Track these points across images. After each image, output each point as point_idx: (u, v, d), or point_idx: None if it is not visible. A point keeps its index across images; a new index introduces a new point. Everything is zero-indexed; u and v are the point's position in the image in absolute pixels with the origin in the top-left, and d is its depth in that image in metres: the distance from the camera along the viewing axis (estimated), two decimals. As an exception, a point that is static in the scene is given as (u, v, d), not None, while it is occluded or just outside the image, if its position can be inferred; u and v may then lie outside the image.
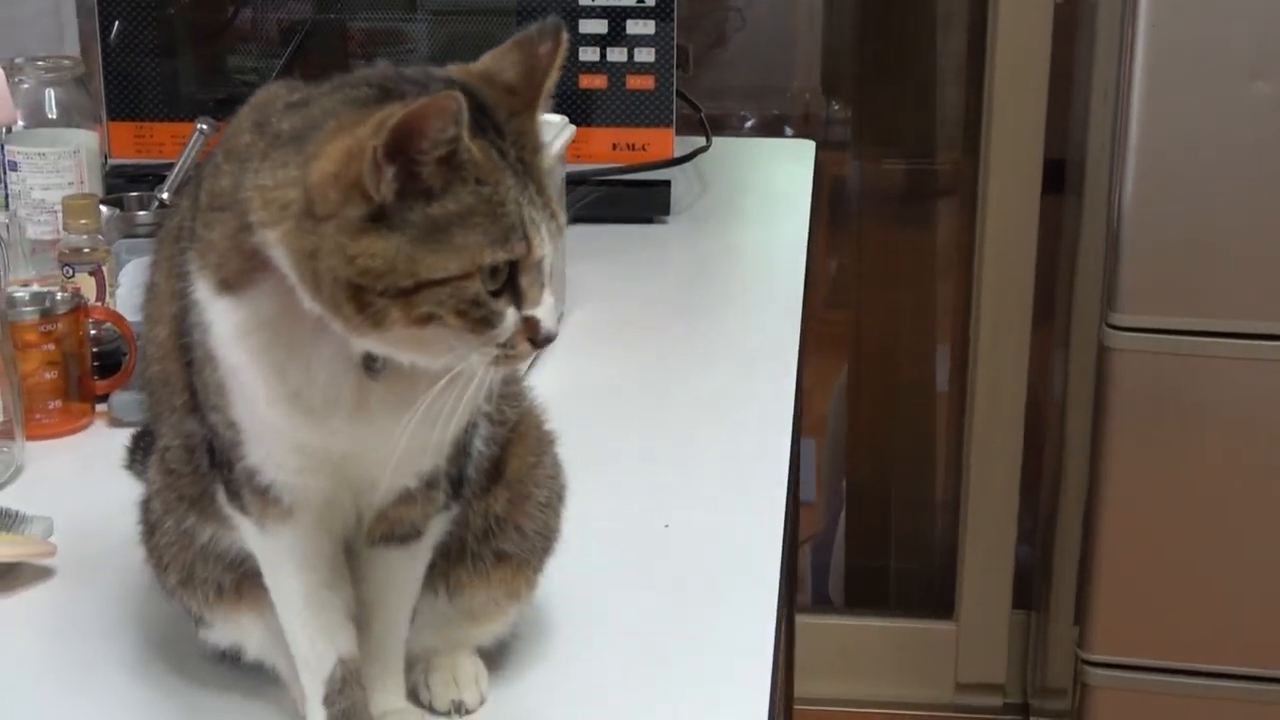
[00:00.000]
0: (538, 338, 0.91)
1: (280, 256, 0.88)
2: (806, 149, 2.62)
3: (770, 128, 3.35)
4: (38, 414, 1.51)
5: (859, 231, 3.22)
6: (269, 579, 1.03)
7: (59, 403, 1.51)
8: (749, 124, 3.52)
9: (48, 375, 1.51)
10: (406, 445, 0.95)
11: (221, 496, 1.02)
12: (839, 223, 3.20)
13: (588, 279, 1.99)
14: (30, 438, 1.48)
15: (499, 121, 0.91)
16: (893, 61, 3.14)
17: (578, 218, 2.17)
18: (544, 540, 1.13)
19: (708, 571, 1.32)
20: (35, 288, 1.55)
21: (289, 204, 0.87)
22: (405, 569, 1.05)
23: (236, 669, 1.12)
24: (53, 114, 1.93)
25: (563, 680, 1.15)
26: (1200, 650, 2.16)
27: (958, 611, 2.99)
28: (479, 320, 0.88)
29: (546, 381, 1.70)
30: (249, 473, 0.99)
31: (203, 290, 0.95)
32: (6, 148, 1.93)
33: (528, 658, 1.17)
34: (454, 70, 0.94)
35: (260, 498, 0.99)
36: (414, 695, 1.11)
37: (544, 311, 0.90)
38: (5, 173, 1.93)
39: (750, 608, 1.25)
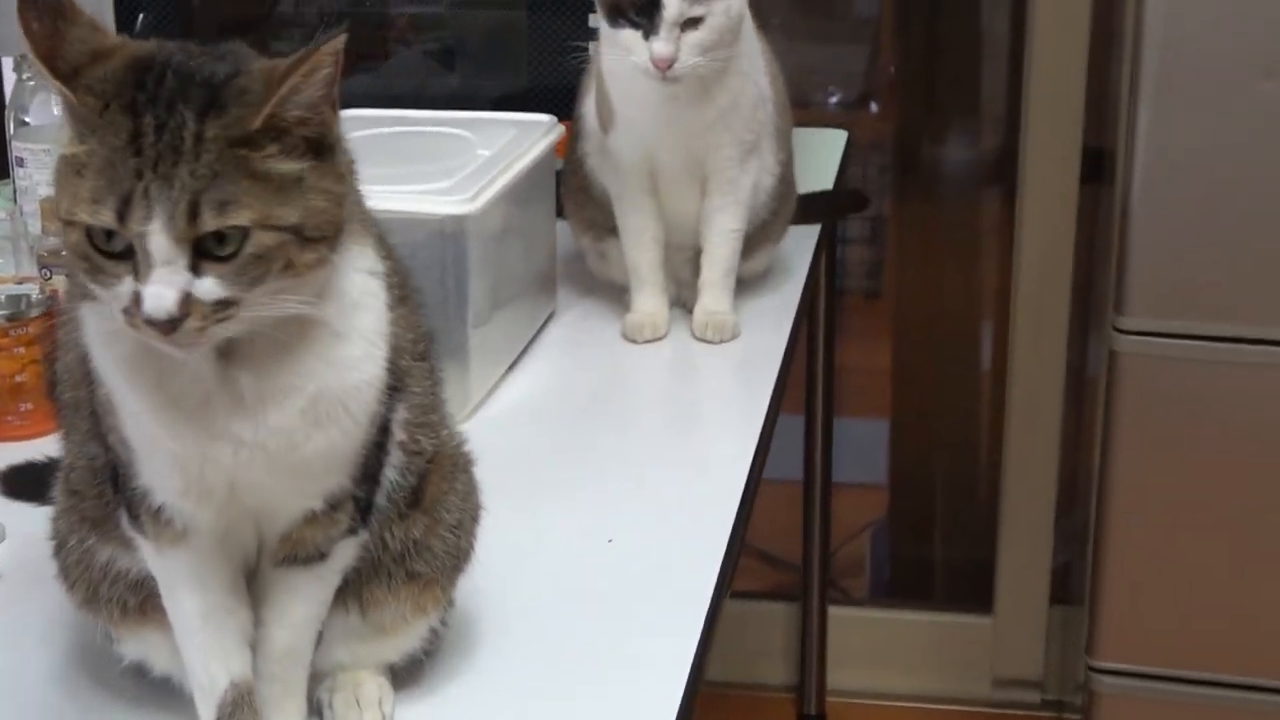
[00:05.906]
0: (135, 315, 0.88)
1: None
2: (837, 140, 2.57)
3: (857, 106, 3.31)
4: (9, 416, 1.53)
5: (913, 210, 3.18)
6: (166, 599, 1.04)
7: (30, 405, 1.53)
8: (834, 100, 3.47)
9: (19, 378, 1.53)
10: (301, 455, 0.96)
11: (124, 519, 1.03)
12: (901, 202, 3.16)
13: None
14: (1, 439, 1.50)
15: (209, 94, 0.89)
16: (934, 41, 3.09)
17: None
18: (453, 560, 1.14)
19: (646, 582, 1.32)
20: (10, 289, 1.57)
21: None
22: (309, 590, 1.06)
23: (153, 683, 1.13)
24: (59, 110, 1.94)
25: (477, 693, 1.16)
26: (1210, 659, 2.11)
27: (995, 605, 2.95)
28: (89, 273, 0.89)
29: (525, 383, 1.71)
30: (143, 494, 1.00)
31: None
32: (14, 143, 1.96)
33: (445, 673, 1.18)
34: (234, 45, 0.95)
35: (154, 520, 1.00)
36: (318, 715, 1.12)
37: (148, 292, 0.87)
38: (13, 168, 1.96)
39: (681, 613, 1.25)
